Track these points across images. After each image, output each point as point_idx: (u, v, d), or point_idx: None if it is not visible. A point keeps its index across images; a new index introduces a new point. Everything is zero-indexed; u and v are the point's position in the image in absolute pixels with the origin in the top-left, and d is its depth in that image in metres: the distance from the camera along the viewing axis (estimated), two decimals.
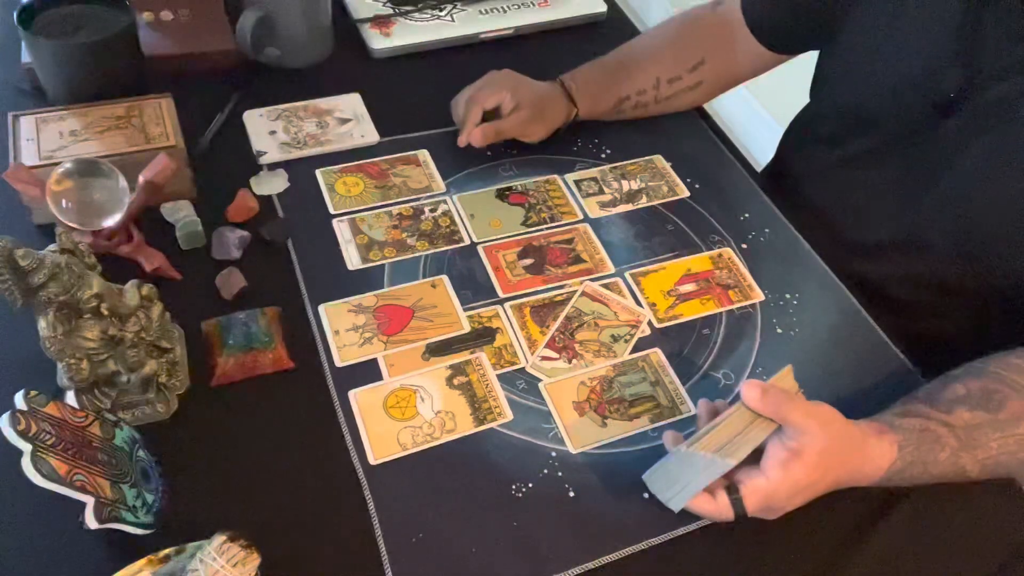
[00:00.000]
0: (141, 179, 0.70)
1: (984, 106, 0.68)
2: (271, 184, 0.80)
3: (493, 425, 0.65)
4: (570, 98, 0.86)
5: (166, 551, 0.51)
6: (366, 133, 0.87)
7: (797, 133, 0.93)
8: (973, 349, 0.66)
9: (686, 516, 0.60)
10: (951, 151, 0.71)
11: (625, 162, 0.89)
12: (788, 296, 0.77)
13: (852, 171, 0.82)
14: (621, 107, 0.89)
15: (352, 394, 0.66)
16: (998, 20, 0.66)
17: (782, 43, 0.87)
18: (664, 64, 0.88)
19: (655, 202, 0.85)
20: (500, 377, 0.68)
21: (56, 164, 0.67)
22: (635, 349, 0.72)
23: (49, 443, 0.50)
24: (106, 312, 0.57)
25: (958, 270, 0.75)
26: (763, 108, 2.20)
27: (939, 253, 0.75)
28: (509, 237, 0.79)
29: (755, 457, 0.57)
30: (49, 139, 0.74)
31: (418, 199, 0.82)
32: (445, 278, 0.75)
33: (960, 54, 0.68)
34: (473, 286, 0.75)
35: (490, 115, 0.84)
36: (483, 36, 1.02)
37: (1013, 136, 0.67)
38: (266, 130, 0.86)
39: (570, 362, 0.70)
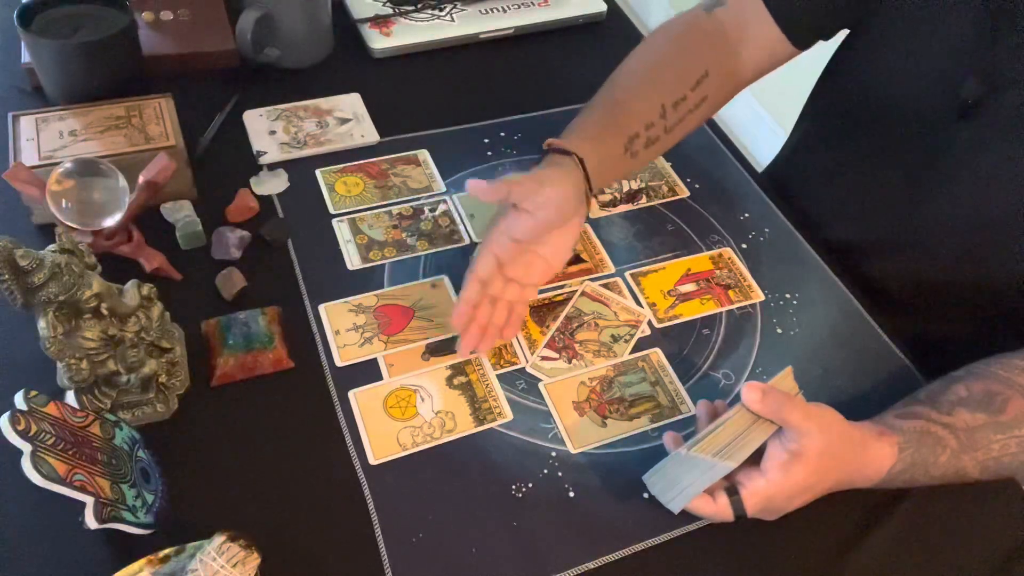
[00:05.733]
0: (141, 179, 0.70)
1: (1002, 112, 0.67)
2: (271, 184, 0.80)
3: (493, 425, 0.65)
4: (581, 166, 0.68)
5: (166, 551, 0.51)
6: (366, 133, 0.87)
7: (805, 131, 0.93)
8: (975, 350, 0.66)
9: (686, 516, 0.60)
10: (965, 155, 0.70)
11: None
12: (788, 296, 0.77)
13: (858, 171, 0.81)
14: (633, 148, 0.73)
15: (352, 394, 0.66)
16: (1016, 26, 0.65)
17: (807, 39, 0.79)
18: (666, 87, 0.75)
19: (655, 202, 0.85)
20: (500, 377, 0.68)
21: (56, 164, 0.67)
22: (635, 349, 0.72)
23: (49, 443, 0.50)
24: (106, 312, 0.57)
25: (961, 272, 0.75)
26: (764, 109, 2.21)
27: (943, 255, 0.75)
28: None
29: (755, 458, 0.57)
30: (49, 139, 0.74)
31: (418, 199, 0.82)
32: (445, 278, 0.75)
33: (979, 59, 0.67)
34: None
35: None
36: (483, 36, 1.02)
37: None
38: (266, 130, 0.86)
39: (570, 362, 0.70)
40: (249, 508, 0.58)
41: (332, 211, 0.79)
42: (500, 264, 0.68)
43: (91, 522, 0.50)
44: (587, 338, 0.72)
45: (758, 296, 0.77)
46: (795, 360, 0.71)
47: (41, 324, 0.54)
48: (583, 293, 0.75)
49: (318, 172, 0.83)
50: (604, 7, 1.08)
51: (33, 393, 0.52)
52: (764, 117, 2.20)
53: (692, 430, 0.63)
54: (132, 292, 0.59)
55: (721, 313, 0.76)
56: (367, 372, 0.67)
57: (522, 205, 0.65)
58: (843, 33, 0.81)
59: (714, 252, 0.81)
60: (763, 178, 0.92)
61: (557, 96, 0.94)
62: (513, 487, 0.62)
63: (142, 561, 0.50)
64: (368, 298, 0.72)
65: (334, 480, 0.61)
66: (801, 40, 0.79)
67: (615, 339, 0.72)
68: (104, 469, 0.53)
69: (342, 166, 0.84)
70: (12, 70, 0.87)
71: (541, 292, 0.75)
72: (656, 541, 0.60)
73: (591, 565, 0.58)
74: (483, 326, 0.68)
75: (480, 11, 1.04)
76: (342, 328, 0.70)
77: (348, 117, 0.88)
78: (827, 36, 0.80)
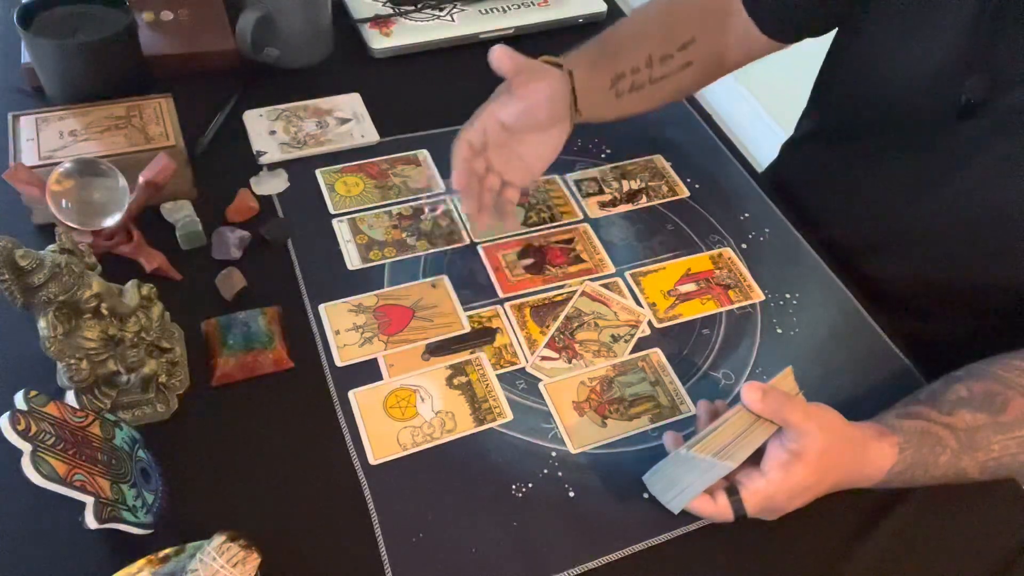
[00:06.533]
0: (141, 179, 0.70)
1: (1003, 111, 0.67)
2: (271, 184, 0.80)
3: (493, 425, 0.65)
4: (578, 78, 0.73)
5: (166, 551, 0.51)
6: (366, 133, 0.87)
7: (805, 131, 0.93)
8: (974, 350, 0.66)
9: (686, 516, 0.60)
10: (965, 154, 0.70)
11: (625, 162, 0.89)
12: (788, 296, 0.77)
13: (858, 171, 0.81)
14: (618, 86, 0.77)
15: (352, 394, 0.66)
16: (1017, 24, 0.65)
17: (782, 32, 0.81)
18: (654, 41, 0.79)
19: (655, 202, 0.85)
20: (500, 377, 0.68)
21: (56, 164, 0.67)
22: (635, 349, 0.72)
23: (49, 443, 0.50)
24: (106, 312, 0.57)
25: (961, 272, 0.75)
26: (764, 109, 2.21)
27: (943, 254, 0.75)
28: (509, 237, 0.79)
29: (755, 458, 0.57)
30: (49, 139, 0.74)
31: (418, 199, 0.82)
32: (445, 278, 0.75)
33: (979, 57, 0.67)
34: (473, 286, 0.75)
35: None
36: (483, 36, 1.02)
37: None
38: (266, 130, 0.86)
39: (570, 362, 0.70)
40: (249, 508, 0.58)
41: (332, 211, 0.79)
42: (485, 144, 0.72)
43: (91, 522, 0.50)
44: (587, 338, 0.72)
45: (758, 296, 0.77)
46: (795, 360, 0.71)
47: (41, 324, 0.54)
48: (583, 293, 0.75)
49: (318, 172, 0.83)
50: (604, 7, 1.08)
51: (33, 393, 0.52)
52: (764, 117, 2.20)
53: (692, 430, 0.63)
54: (132, 292, 0.59)
55: (721, 313, 0.76)
56: (367, 372, 0.67)
57: (515, 89, 0.70)
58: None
59: (714, 252, 0.81)
60: (763, 178, 0.92)
61: None
62: (513, 487, 0.62)
63: (142, 561, 0.50)
64: (368, 298, 0.72)
65: (334, 480, 0.61)
66: (776, 33, 0.80)
67: (615, 339, 0.72)
68: (104, 469, 0.53)
69: (342, 166, 0.84)
70: (12, 70, 0.86)
71: (541, 292, 0.75)
72: (656, 541, 0.60)
73: (591, 565, 0.58)
74: (481, 179, 0.73)
75: (480, 11, 1.04)
76: (342, 328, 0.70)
77: (348, 117, 0.88)
78: (814, 33, 0.81)
